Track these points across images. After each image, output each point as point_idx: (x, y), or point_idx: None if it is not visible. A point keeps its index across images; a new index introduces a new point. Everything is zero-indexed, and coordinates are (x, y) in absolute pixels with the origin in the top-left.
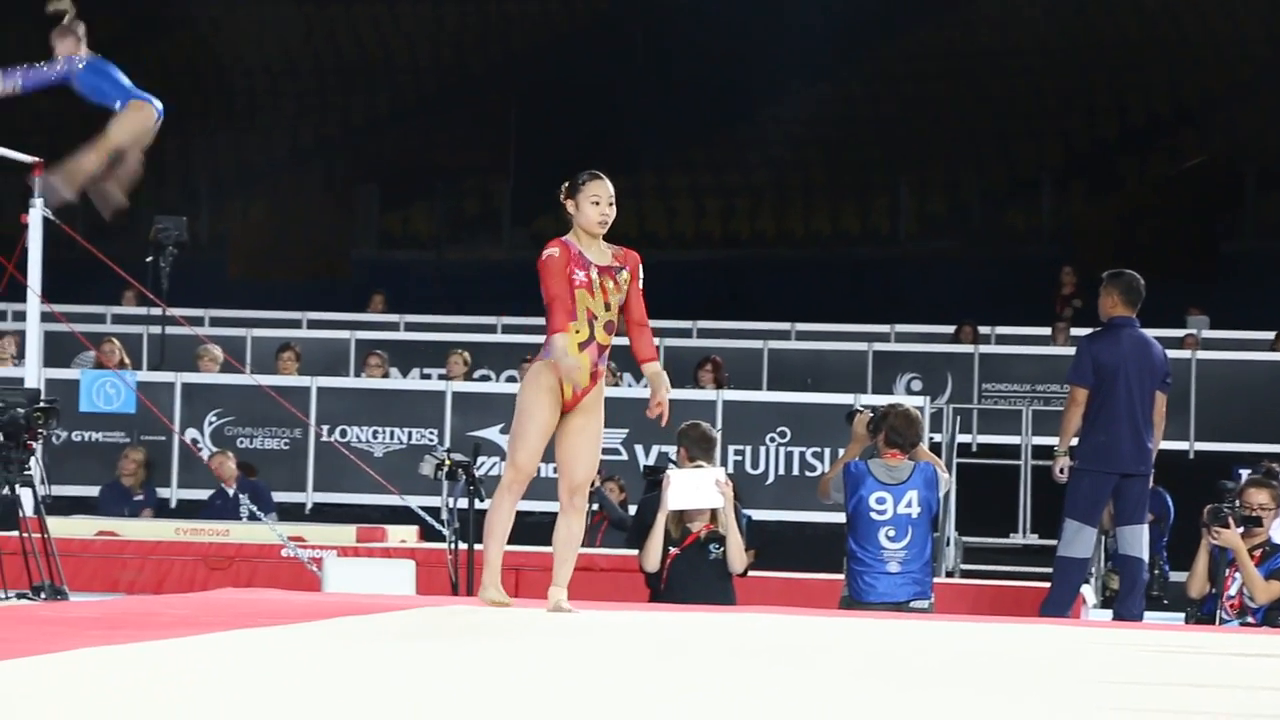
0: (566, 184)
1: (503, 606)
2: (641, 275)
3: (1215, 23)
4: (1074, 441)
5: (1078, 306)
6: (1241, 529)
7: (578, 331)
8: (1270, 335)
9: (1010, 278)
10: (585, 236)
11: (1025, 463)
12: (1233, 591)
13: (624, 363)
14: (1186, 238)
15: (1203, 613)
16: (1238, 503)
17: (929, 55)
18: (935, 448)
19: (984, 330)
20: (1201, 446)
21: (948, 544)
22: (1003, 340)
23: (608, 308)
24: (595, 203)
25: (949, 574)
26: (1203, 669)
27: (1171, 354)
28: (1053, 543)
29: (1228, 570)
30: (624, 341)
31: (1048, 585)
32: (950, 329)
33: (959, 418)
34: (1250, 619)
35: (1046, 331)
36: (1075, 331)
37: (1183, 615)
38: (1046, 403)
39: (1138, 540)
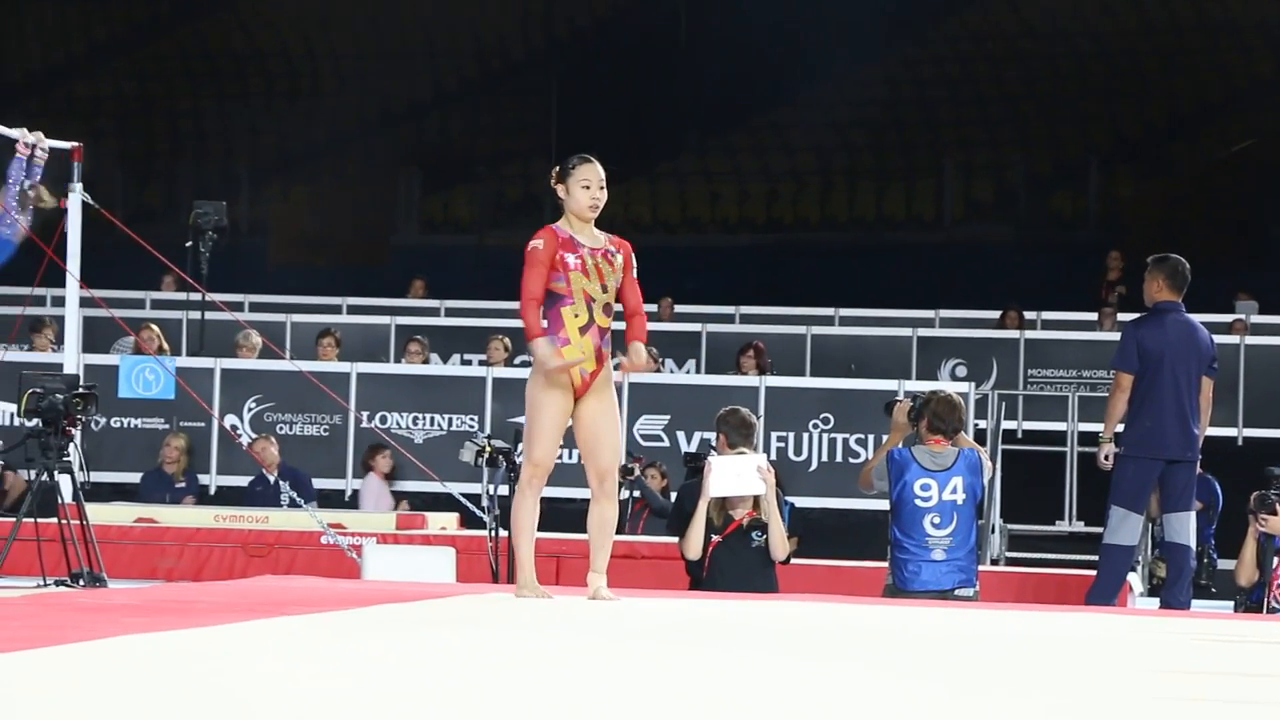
0: (557, 168)
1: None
2: (634, 265)
3: (1265, 6)
4: (1119, 428)
5: (1123, 292)
6: None
7: (576, 316)
8: None
9: (1056, 263)
10: (577, 222)
11: (1071, 449)
12: None
13: (665, 348)
14: (1235, 222)
15: (1251, 601)
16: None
17: (975, 37)
18: (980, 434)
19: (1029, 316)
20: (1250, 433)
21: (993, 531)
22: (1048, 326)
23: (604, 289)
24: (586, 187)
25: (994, 562)
26: (1252, 658)
27: (1219, 339)
28: (1098, 530)
29: (1276, 558)
30: (666, 327)
31: (1093, 573)
32: (995, 314)
33: (1004, 404)
34: None
35: (1093, 317)
36: (1122, 317)
37: (1231, 604)
38: (1092, 389)
39: (1185, 527)
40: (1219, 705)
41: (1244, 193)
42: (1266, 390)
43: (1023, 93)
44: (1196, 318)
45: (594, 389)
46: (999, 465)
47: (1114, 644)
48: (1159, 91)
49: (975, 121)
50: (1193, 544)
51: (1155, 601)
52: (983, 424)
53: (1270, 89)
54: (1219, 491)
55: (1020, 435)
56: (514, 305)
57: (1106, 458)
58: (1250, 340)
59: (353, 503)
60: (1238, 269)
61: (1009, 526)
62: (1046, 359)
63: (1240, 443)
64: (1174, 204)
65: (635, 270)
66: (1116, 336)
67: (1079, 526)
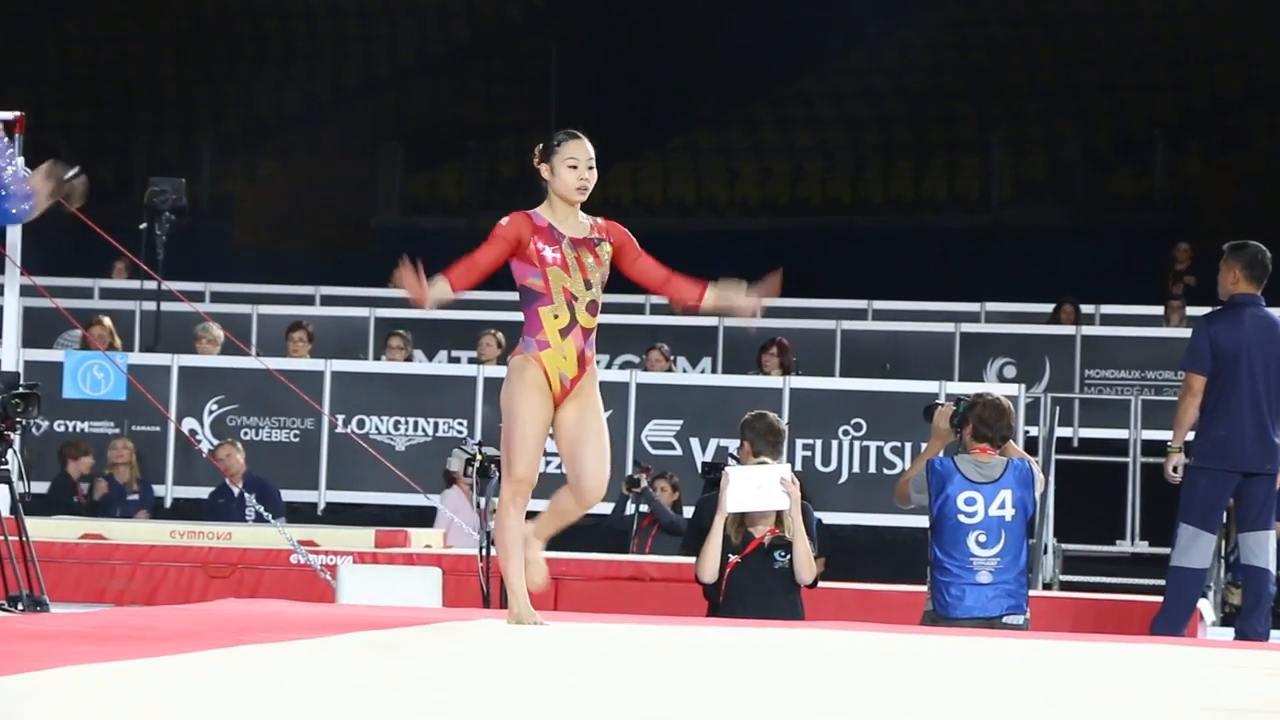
0: (541, 146)
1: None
2: (635, 241)
3: None
4: (1190, 436)
5: (1190, 284)
6: None
7: (556, 316)
8: None
9: (1117, 250)
10: (561, 205)
11: (1134, 460)
12: None
13: (677, 345)
14: None
15: None
16: None
17: None
18: (1031, 443)
19: (1087, 310)
20: None
21: (1045, 552)
22: (1108, 321)
23: (589, 285)
24: (573, 166)
25: (1047, 586)
26: None
27: None
28: (1165, 551)
29: None
30: (678, 321)
31: (1160, 599)
32: (1048, 308)
33: (1058, 409)
34: None
35: (1158, 311)
36: (1191, 311)
37: None
38: (1158, 392)
39: (1264, 548)
40: None
41: None
42: None
43: (1080, 59)
44: (1276, 313)
45: (575, 395)
46: (1052, 477)
47: (1182, 680)
48: (1233, 57)
49: (1026, 91)
50: (1273, 567)
51: (1229, 632)
52: (1034, 431)
53: None
54: None
55: (1076, 444)
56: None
57: (1175, 470)
58: None
59: (326, 517)
60: None
61: (1064, 546)
62: (1106, 358)
63: None
64: (1250, 183)
65: (638, 245)
66: (1186, 333)
67: (1142, 547)
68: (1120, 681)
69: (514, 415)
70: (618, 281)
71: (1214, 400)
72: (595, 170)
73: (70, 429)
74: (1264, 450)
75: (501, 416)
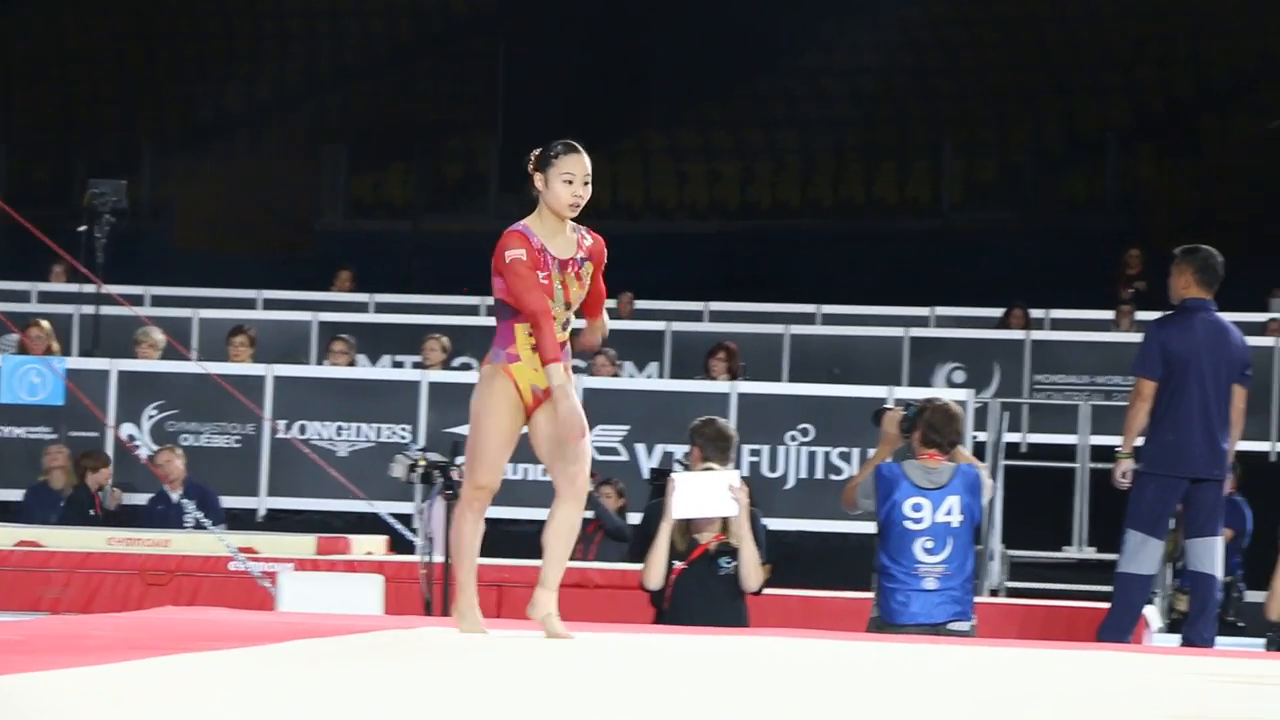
0: (536, 153)
1: (478, 633)
2: (604, 262)
3: None
4: (1139, 441)
5: (1141, 288)
6: None
7: (530, 334)
8: None
9: (1068, 254)
10: (551, 219)
11: (1082, 466)
12: None
13: (625, 350)
14: (1272, 208)
15: None
16: None
17: None
18: (979, 448)
19: (1037, 314)
20: None
21: (992, 558)
22: (1058, 325)
23: (568, 305)
24: (568, 181)
25: (993, 592)
26: None
27: (1252, 341)
28: (1113, 557)
29: None
30: (625, 325)
31: (1106, 605)
32: (998, 312)
33: (1007, 414)
34: None
35: (1109, 315)
36: (1142, 316)
37: (1262, 641)
38: (1108, 397)
39: (1210, 554)
40: None
41: None
42: None
43: (1032, 61)
44: (1227, 317)
45: (548, 408)
46: (1000, 483)
47: (1128, 686)
48: (1185, 60)
49: (978, 94)
50: (1219, 574)
51: (1176, 638)
52: (982, 436)
53: None
54: (1248, 514)
55: (1025, 449)
56: (453, 300)
57: (1124, 475)
58: None
59: (267, 524)
60: (1274, 262)
61: (1011, 552)
62: (1056, 363)
63: (1274, 459)
64: (1202, 187)
65: (604, 266)
66: (1136, 338)
67: (1090, 553)
68: (1066, 688)
69: (479, 423)
70: None
71: (1164, 405)
72: (590, 186)
73: (5, 434)
74: (1212, 456)
75: (471, 423)
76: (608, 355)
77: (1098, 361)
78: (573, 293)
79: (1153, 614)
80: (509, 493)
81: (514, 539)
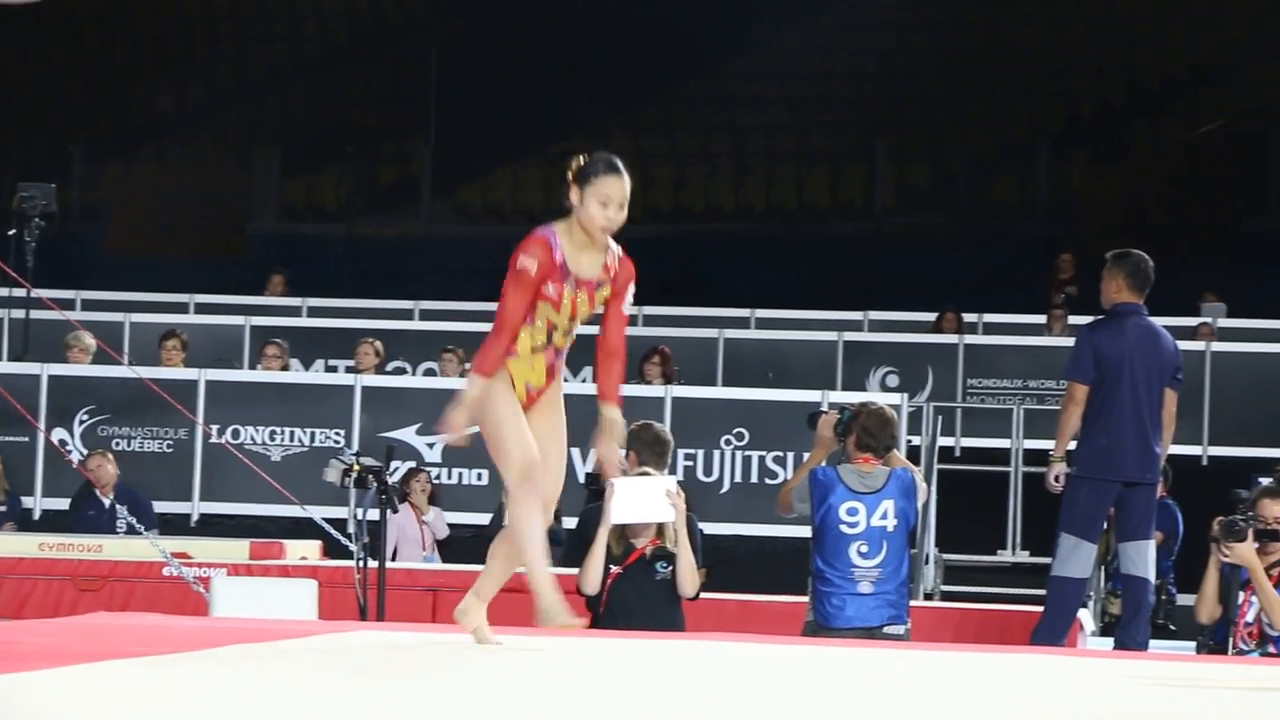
0: (578, 164)
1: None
2: (630, 295)
3: None
4: (1071, 445)
5: (1072, 293)
6: (1256, 545)
7: (533, 338)
8: None
9: (1001, 258)
10: (580, 236)
11: (1015, 470)
12: (1250, 617)
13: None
14: (1203, 213)
15: (1214, 641)
16: (1251, 514)
17: (911, 3)
18: (914, 453)
19: (970, 319)
20: (1216, 451)
21: (926, 562)
22: (991, 330)
23: (572, 320)
24: (603, 204)
25: (928, 596)
26: (1218, 706)
27: (1183, 345)
28: (1046, 561)
29: (1242, 592)
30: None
31: (1040, 609)
32: (931, 316)
33: (941, 418)
34: (1272, 648)
35: (1041, 320)
36: (1074, 320)
37: (1193, 644)
38: (1040, 401)
39: (1143, 558)
40: None
41: (1214, 180)
42: (1235, 404)
43: (964, 65)
44: (1159, 321)
45: (541, 406)
46: (934, 487)
47: (1061, 689)
48: (1116, 65)
49: (910, 98)
50: (1152, 577)
51: (1109, 641)
52: (916, 440)
53: (1242, 63)
54: (1179, 518)
55: (959, 453)
56: (387, 304)
57: (1057, 479)
58: (1217, 347)
59: (200, 529)
60: (1204, 266)
61: (945, 557)
62: (989, 367)
63: (1205, 462)
64: (1133, 192)
65: (628, 300)
66: (1068, 342)
67: (1023, 557)
68: (1000, 691)
69: (494, 411)
70: (500, 291)
71: (1096, 409)
72: (626, 211)
73: None
74: (1145, 459)
75: (481, 425)
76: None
77: (1030, 366)
78: (580, 309)
79: (1086, 617)
80: (456, 497)
81: (455, 544)
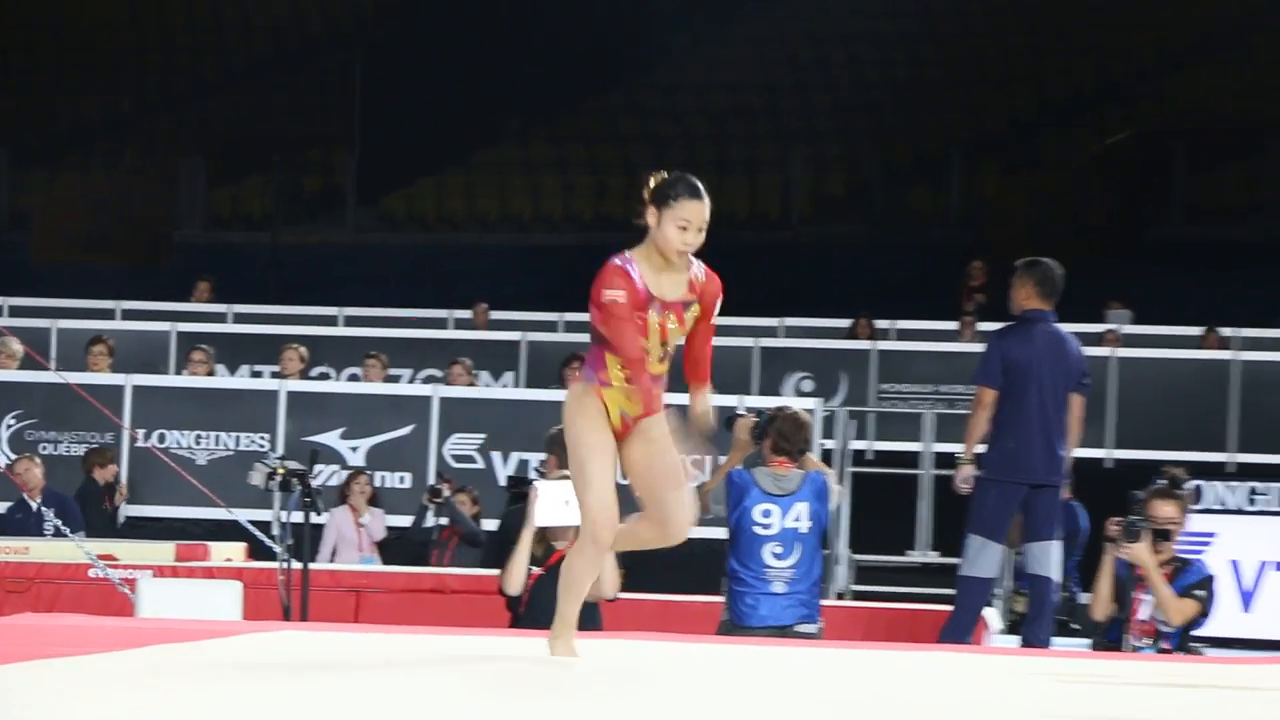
0: (655, 183)
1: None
2: (717, 310)
3: None
4: (980, 448)
5: (982, 301)
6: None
7: (623, 367)
8: (1198, 331)
9: (913, 266)
10: (658, 259)
11: (926, 472)
12: (1144, 615)
13: (480, 360)
14: (1108, 222)
15: (1109, 639)
16: (1143, 515)
17: (827, 16)
18: (827, 455)
19: (882, 325)
20: (1121, 454)
21: (838, 562)
22: (903, 336)
23: (664, 344)
24: (682, 228)
25: (839, 595)
26: (1117, 701)
27: (1089, 352)
28: (954, 561)
29: (1135, 590)
30: (481, 335)
31: (949, 608)
32: (846, 323)
33: (854, 422)
34: (1165, 645)
35: (953, 326)
36: (984, 326)
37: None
38: (950, 405)
39: (1047, 558)
40: None
41: (1119, 190)
42: (1139, 408)
43: (878, 78)
44: (1066, 328)
45: (641, 434)
46: (847, 489)
47: (967, 685)
48: (1028, 78)
49: (826, 109)
50: (1056, 576)
51: (1015, 639)
52: (830, 444)
53: (1149, 76)
54: (1083, 519)
55: (870, 456)
56: (311, 310)
57: (965, 481)
58: (1123, 353)
59: (126, 531)
60: (1111, 274)
61: (856, 557)
62: (901, 372)
63: (1110, 465)
64: (1042, 202)
65: (716, 315)
66: (979, 348)
67: (933, 557)
68: (909, 688)
69: (580, 446)
70: (423, 298)
71: (1004, 414)
72: (704, 234)
73: None
74: (1051, 463)
75: (567, 439)
76: (464, 365)
77: (941, 371)
78: (671, 334)
79: (993, 616)
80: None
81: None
